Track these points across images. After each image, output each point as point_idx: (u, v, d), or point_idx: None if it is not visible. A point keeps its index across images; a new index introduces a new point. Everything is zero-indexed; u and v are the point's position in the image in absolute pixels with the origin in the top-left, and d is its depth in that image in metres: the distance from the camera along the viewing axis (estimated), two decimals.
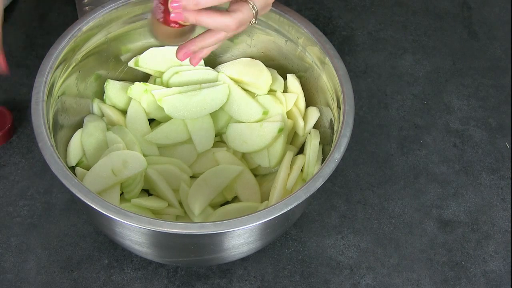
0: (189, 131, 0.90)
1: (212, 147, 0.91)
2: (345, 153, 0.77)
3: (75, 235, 0.89)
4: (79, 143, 0.87)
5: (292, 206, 0.73)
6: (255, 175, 0.90)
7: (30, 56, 1.05)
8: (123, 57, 0.93)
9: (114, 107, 0.92)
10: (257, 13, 0.73)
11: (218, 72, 0.93)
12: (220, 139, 0.93)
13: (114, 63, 0.93)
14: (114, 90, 0.92)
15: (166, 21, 0.73)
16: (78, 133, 0.88)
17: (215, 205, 0.88)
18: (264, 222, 0.73)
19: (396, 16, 1.16)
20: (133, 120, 0.90)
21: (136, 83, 0.91)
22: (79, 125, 0.89)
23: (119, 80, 0.93)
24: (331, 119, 0.86)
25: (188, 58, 0.77)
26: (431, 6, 1.18)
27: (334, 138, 0.80)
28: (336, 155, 0.77)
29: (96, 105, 0.92)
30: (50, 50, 0.82)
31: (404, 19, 1.16)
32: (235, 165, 0.88)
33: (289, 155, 0.88)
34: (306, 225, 0.92)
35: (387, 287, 0.88)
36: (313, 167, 0.86)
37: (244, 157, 0.91)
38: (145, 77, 0.95)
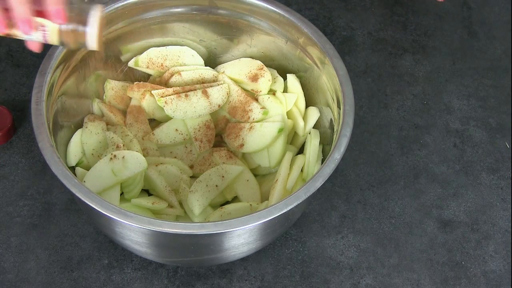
0: (189, 131, 0.90)
1: (212, 147, 0.91)
2: (345, 153, 0.78)
3: (75, 235, 0.89)
4: (79, 143, 0.87)
5: (292, 206, 0.73)
6: (255, 175, 0.90)
7: (30, 56, 1.05)
8: (123, 57, 0.93)
9: (114, 107, 0.92)
10: None
11: (218, 72, 0.93)
12: (220, 139, 0.93)
13: (114, 63, 0.93)
14: (114, 90, 0.92)
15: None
16: (78, 133, 0.88)
17: (215, 205, 0.88)
18: (264, 222, 0.73)
19: (396, 16, 1.16)
20: (133, 120, 0.90)
21: (136, 83, 0.91)
22: (79, 125, 0.89)
23: (119, 80, 0.93)
24: (331, 119, 0.86)
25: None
26: (431, 6, 1.18)
27: (334, 138, 0.80)
28: (336, 155, 0.77)
29: (96, 105, 0.92)
30: (50, 50, 0.82)
31: (404, 19, 1.16)
32: (235, 165, 0.88)
33: (289, 155, 0.88)
34: (306, 225, 0.92)
35: (387, 287, 0.88)
36: (313, 167, 0.86)
37: (244, 157, 0.91)
38: (145, 77, 0.95)
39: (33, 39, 0.73)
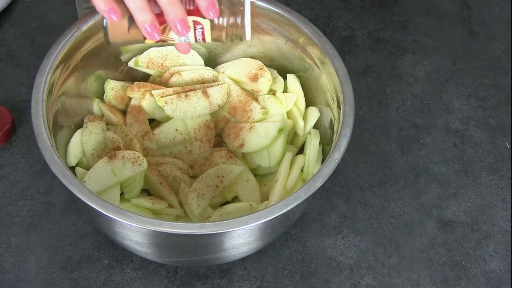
0: (189, 131, 0.90)
1: (212, 147, 0.91)
2: (345, 153, 0.78)
3: (75, 235, 0.89)
4: (79, 143, 0.87)
5: (292, 206, 0.73)
6: (255, 175, 0.90)
7: (30, 56, 1.05)
8: (123, 57, 0.93)
9: (114, 107, 0.92)
10: None
11: (218, 72, 0.93)
12: (220, 139, 0.93)
13: (114, 63, 0.93)
14: (114, 90, 0.92)
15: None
16: (78, 133, 0.88)
17: (215, 205, 0.88)
18: (264, 222, 0.73)
19: (396, 16, 1.16)
20: (133, 120, 0.90)
21: (136, 83, 0.91)
22: (79, 125, 0.89)
23: (119, 80, 0.93)
24: (331, 119, 0.86)
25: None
26: (431, 6, 1.18)
27: (334, 138, 0.80)
28: (336, 155, 0.77)
29: (96, 105, 0.92)
30: (50, 50, 0.82)
31: (404, 19, 1.16)
32: (235, 165, 0.88)
33: (289, 155, 0.88)
34: (306, 225, 0.92)
35: (387, 287, 0.88)
36: (313, 167, 0.86)
37: (244, 157, 0.91)
38: (145, 77, 0.95)
39: (187, 40, 0.71)
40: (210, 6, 0.68)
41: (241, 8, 0.70)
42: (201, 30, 0.70)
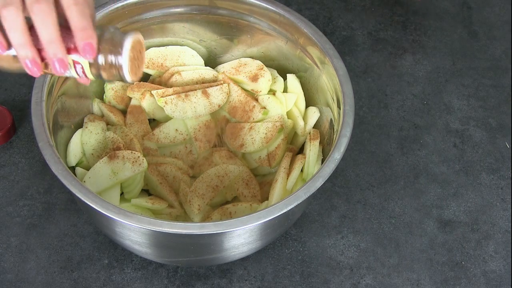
0: (189, 131, 0.90)
1: (212, 147, 0.91)
2: (345, 153, 0.78)
3: (75, 235, 0.89)
4: (79, 143, 0.87)
5: (292, 206, 0.73)
6: (255, 175, 0.90)
7: None
8: None
9: (114, 107, 0.92)
10: None
11: (218, 72, 0.93)
12: (220, 139, 0.93)
13: None
14: (114, 90, 0.92)
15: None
16: (78, 133, 0.88)
17: (215, 205, 0.88)
18: (264, 222, 0.73)
19: (396, 16, 1.16)
20: (133, 120, 0.90)
21: (136, 83, 0.91)
22: (79, 125, 0.89)
23: None
24: (331, 119, 0.86)
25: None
26: (431, 6, 1.18)
27: (334, 138, 0.81)
28: (336, 155, 0.77)
29: (96, 105, 0.92)
30: None
31: (404, 19, 1.16)
32: (235, 165, 0.88)
33: (289, 155, 0.88)
34: (306, 225, 0.92)
35: (387, 287, 0.88)
36: (313, 167, 0.86)
37: (244, 157, 0.91)
38: (145, 77, 0.95)
39: (70, 76, 0.69)
40: (86, 47, 0.66)
41: (120, 49, 0.67)
42: (81, 68, 0.68)
